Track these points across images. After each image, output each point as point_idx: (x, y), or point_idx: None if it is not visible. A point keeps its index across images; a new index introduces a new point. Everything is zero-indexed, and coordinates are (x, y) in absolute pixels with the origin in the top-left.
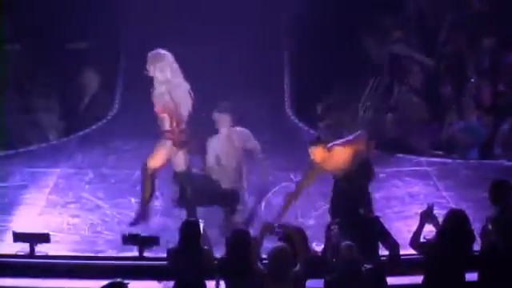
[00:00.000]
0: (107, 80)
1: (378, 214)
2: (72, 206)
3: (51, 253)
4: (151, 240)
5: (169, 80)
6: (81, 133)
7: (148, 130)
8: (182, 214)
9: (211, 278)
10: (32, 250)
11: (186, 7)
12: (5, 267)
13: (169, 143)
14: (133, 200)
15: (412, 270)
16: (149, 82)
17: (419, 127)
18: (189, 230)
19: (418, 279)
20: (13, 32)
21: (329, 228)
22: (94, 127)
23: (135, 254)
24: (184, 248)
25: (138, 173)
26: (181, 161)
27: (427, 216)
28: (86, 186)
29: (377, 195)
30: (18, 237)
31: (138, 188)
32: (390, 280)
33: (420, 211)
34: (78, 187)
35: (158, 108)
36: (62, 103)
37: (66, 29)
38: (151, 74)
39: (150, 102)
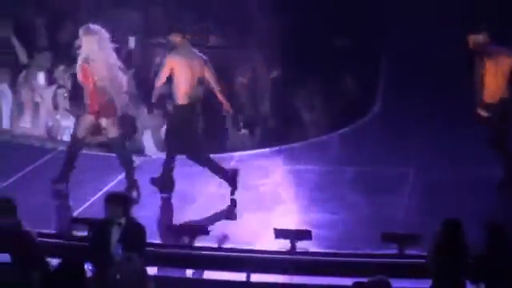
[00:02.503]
0: (366, 79)
1: None
2: (331, 203)
3: (311, 249)
4: (412, 238)
5: (94, 53)
6: (340, 131)
7: (410, 130)
8: None
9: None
10: (293, 246)
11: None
12: (267, 263)
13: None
14: (392, 198)
15: None
16: (412, 84)
17: None
18: (452, 228)
19: None
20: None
21: None
22: (352, 126)
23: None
24: (448, 246)
25: (399, 170)
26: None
27: None
28: (345, 184)
29: None
30: (280, 233)
31: (398, 186)
32: None
33: None
34: (338, 184)
35: (79, 76)
36: (322, 101)
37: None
38: (78, 44)
39: (411, 103)
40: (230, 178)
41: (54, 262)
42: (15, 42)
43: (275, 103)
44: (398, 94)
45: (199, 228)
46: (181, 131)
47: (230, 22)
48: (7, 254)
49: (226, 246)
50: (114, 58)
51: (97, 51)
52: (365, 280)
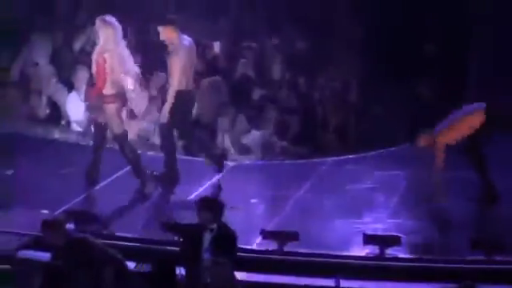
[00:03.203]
0: (455, 84)
1: None
2: (421, 208)
3: (401, 255)
4: (501, 245)
5: (109, 44)
6: None
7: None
8: None
9: None
10: (382, 252)
11: None
12: (357, 269)
13: (113, 105)
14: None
15: None
16: (503, 87)
17: None
18: None
19: None
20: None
21: None
22: None
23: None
24: None
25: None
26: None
27: None
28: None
29: None
30: (369, 239)
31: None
32: None
33: None
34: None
35: (94, 69)
36: (411, 105)
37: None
38: (97, 37)
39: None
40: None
41: (145, 267)
42: None
43: (365, 108)
44: (489, 98)
45: (289, 233)
46: (180, 118)
47: (316, 25)
48: None
49: (316, 251)
50: (126, 52)
51: (112, 43)
52: (453, 286)
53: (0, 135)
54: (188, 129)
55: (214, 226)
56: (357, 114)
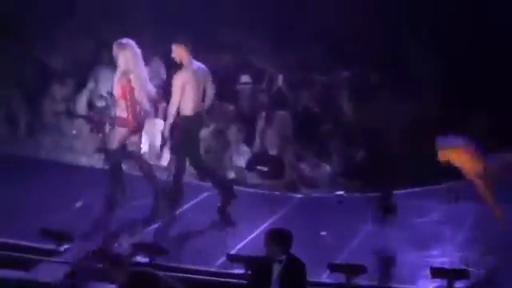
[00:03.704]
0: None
1: None
2: (489, 242)
3: None
4: None
5: (131, 70)
6: None
7: None
8: None
9: None
10: (450, 286)
11: None
12: None
13: (123, 129)
14: None
15: None
16: None
17: None
18: None
19: None
20: None
21: None
22: None
23: None
24: None
25: None
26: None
27: None
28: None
29: None
30: (437, 272)
31: None
32: None
33: None
34: (495, 223)
35: (117, 93)
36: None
37: None
38: (117, 61)
39: None
40: (228, 194)
41: None
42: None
43: (430, 141)
44: None
45: (356, 266)
46: (189, 143)
47: (385, 59)
48: None
49: (383, 285)
50: (145, 72)
51: (132, 64)
52: None
53: (65, 167)
54: (196, 153)
55: (283, 257)
56: (424, 148)
